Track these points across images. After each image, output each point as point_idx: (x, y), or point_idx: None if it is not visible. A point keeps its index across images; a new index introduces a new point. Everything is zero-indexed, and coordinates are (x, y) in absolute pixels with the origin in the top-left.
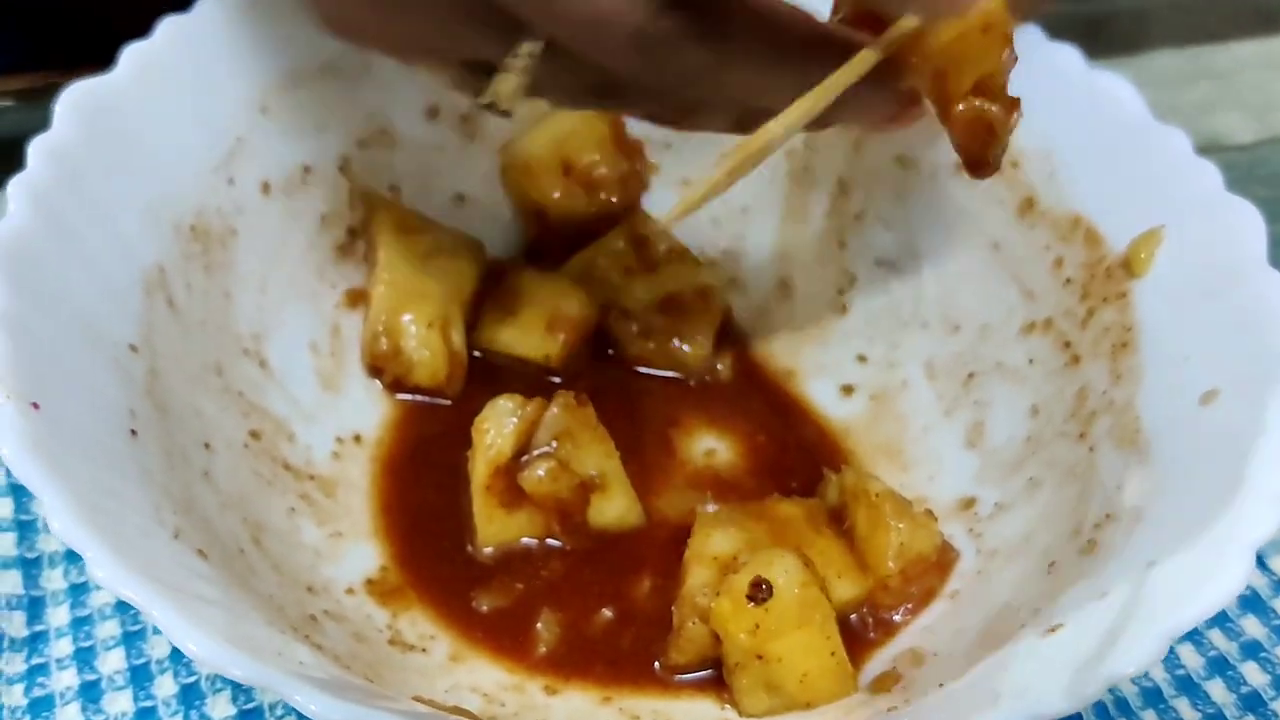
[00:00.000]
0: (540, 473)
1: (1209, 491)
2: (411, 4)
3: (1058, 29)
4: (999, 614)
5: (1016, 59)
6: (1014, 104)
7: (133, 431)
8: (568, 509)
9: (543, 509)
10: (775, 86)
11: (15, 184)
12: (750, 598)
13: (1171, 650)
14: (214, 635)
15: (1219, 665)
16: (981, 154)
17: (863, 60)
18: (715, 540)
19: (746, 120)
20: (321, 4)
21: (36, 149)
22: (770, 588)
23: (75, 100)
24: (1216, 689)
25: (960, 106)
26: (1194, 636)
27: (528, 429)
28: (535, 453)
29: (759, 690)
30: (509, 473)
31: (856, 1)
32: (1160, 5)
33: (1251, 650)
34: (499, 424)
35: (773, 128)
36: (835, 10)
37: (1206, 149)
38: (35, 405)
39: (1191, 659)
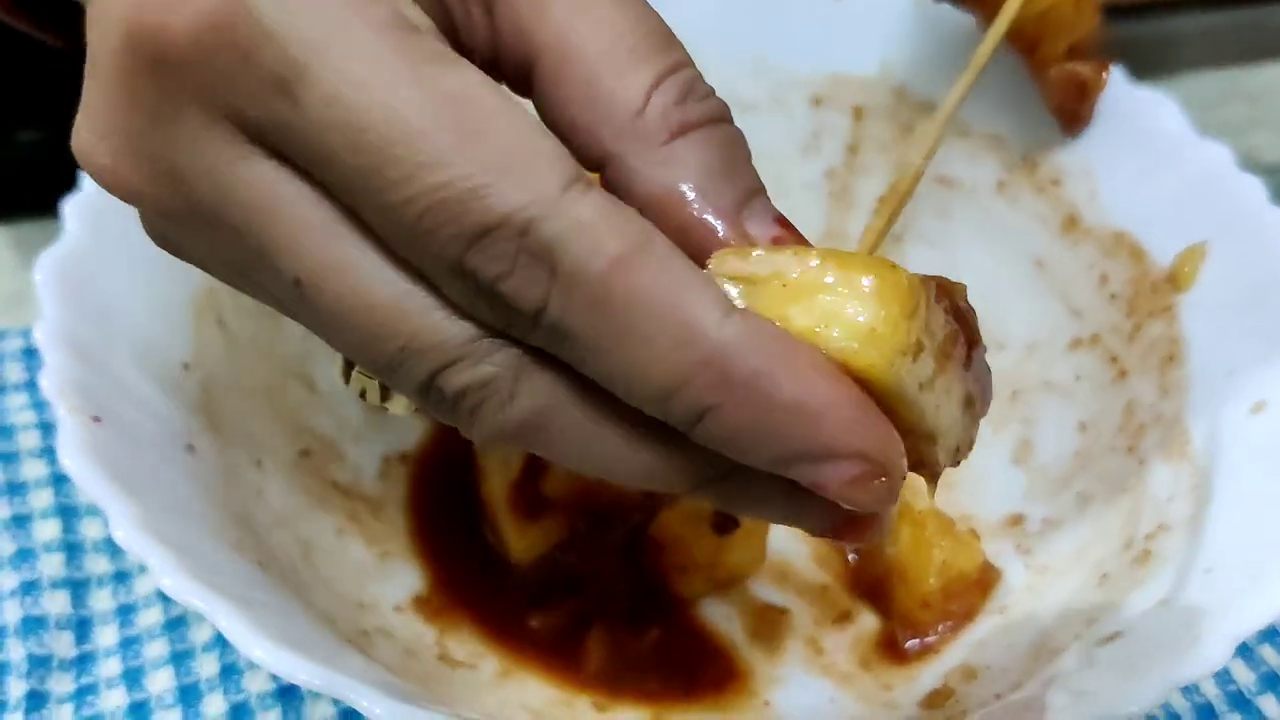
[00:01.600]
0: (555, 475)
1: (1262, 498)
2: None
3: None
4: (1052, 627)
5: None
6: (1104, 65)
7: (190, 447)
8: (588, 502)
9: (565, 507)
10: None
11: (71, 204)
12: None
13: (1252, 651)
14: (278, 641)
15: (1271, 681)
16: (1075, 110)
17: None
18: None
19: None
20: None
21: None
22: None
23: None
24: (1270, 704)
25: (1054, 70)
26: (1244, 651)
27: None
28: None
29: None
30: (524, 484)
31: None
32: (1192, 29)
33: None
34: None
35: (914, 159)
36: None
37: (1243, 168)
38: (96, 419)
39: (1243, 674)
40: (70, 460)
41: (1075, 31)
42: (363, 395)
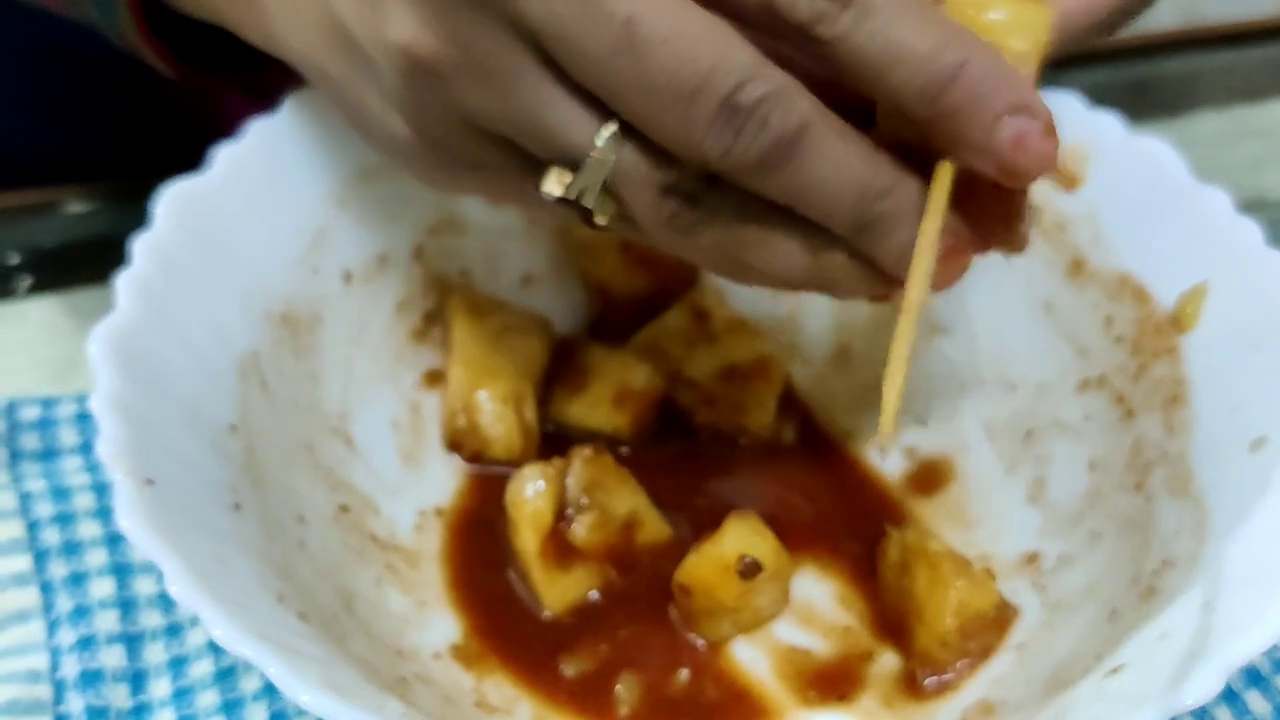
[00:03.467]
0: (586, 526)
1: (1262, 532)
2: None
3: (1102, 94)
4: (1064, 662)
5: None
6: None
7: (235, 505)
8: (618, 551)
9: (596, 558)
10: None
11: (123, 279)
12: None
13: (1238, 697)
14: (324, 688)
15: None
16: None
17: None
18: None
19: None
20: (414, 171)
21: (140, 246)
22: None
23: (173, 199)
24: None
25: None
26: (1260, 683)
27: (559, 491)
28: (572, 510)
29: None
30: (556, 535)
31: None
32: (1200, 68)
33: None
34: (533, 493)
35: (913, 294)
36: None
37: (1253, 206)
38: (150, 482)
39: (1259, 705)
40: (127, 521)
41: None
42: (573, 202)
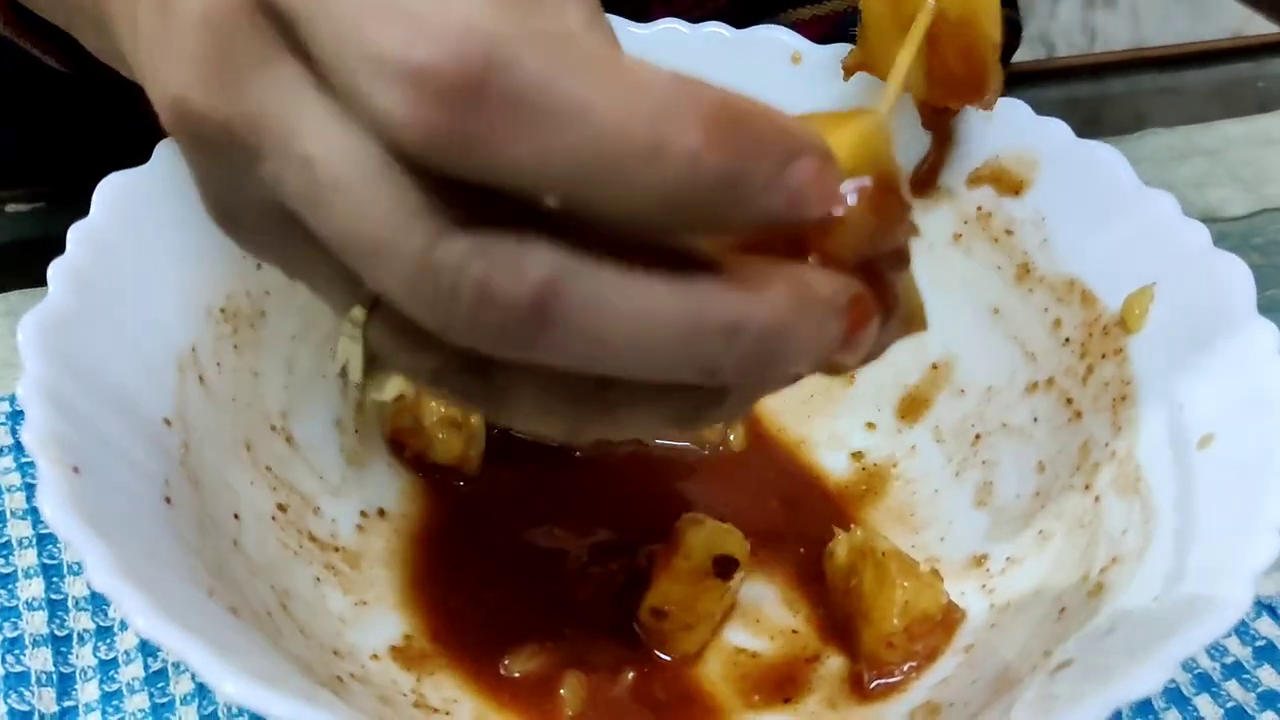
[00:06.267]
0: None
1: (1209, 528)
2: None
3: (1049, 112)
4: (1012, 661)
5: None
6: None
7: (167, 499)
8: None
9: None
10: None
11: (55, 266)
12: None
13: (1189, 702)
14: (251, 677)
15: (1237, 715)
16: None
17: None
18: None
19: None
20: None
21: (75, 234)
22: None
23: (112, 190)
24: None
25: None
26: (1211, 689)
27: None
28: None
29: None
30: None
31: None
32: (1150, 88)
33: (1269, 700)
34: None
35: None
36: None
37: (1202, 220)
38: (76, 470)
39: (1210, 710)
40: (49, 508)
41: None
42: (342, 373)
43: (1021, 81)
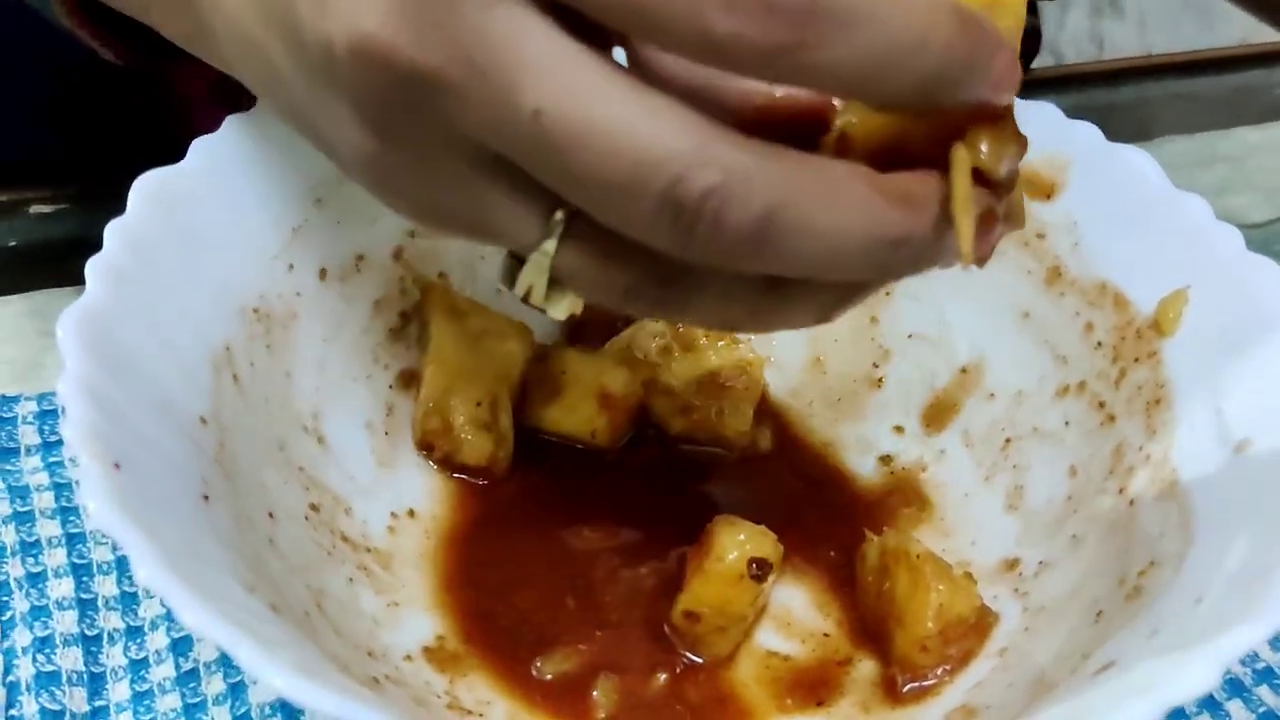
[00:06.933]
0: None
1: (1248, 532)
2: (445, 183)
3: (1071, 117)
4: (1048, 664)
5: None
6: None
7: (205, 497)
8: None
9: None
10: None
11: (93, 263)
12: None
13: (1221, 707)
14: (299, 672)
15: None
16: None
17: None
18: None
19: (839, 303)
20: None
21: (113, 231)
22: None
23: (148, 187)
24: None
25: None
26: (1243, 694)
27: None
28: None
29: None
30: None
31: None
32: (1168, 94)
33: None
34: None
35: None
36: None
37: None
38: (117, 466)
39: (1241, 714)
40: (93, 503)
41: None
42: (527, 297)
43: (1035, 88)
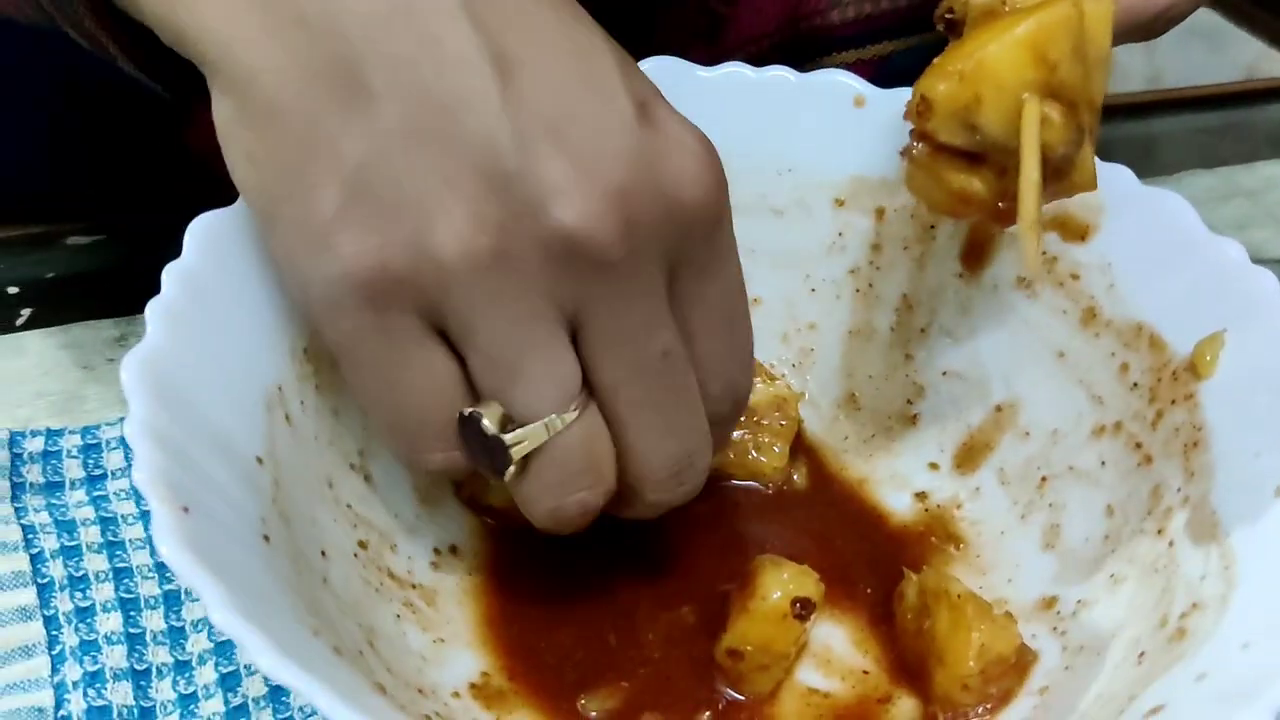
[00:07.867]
0: None
1: None
2: None
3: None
4: (1091, 705)
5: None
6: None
7: (265, 537)
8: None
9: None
10: None
11: (153, 306)
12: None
13: None
14: (370, 716)
15: None
16: None
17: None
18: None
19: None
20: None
21: (170, 274)
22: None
23: (202, 230)
24: None
25: None
26: None
27: None
28: None
29: None
30: None
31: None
32: (1187, 129)
33: None
34: None
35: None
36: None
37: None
38: (185, 509)
39: None
40: (167, 548)
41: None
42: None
43: None
